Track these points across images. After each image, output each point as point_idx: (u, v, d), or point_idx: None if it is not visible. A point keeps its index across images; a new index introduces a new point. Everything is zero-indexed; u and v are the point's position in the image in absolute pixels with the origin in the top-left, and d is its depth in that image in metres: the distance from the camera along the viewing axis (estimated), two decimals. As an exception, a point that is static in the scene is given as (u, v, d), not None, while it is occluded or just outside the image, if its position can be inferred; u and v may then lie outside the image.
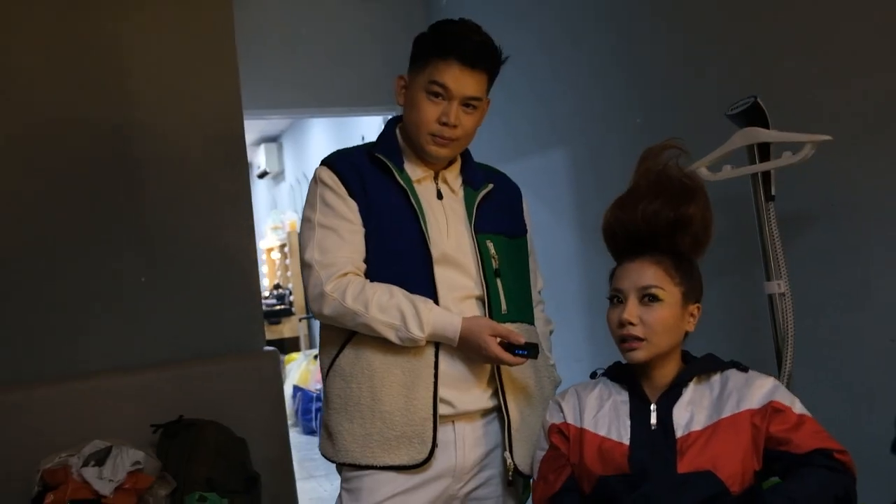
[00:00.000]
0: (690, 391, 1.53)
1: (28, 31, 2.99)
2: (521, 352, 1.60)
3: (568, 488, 1.56)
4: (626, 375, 1.59)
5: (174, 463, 2.64)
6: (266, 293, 8.47)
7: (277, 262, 9.11)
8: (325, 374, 1.75)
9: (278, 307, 8.17)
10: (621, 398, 1.57)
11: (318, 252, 1.68)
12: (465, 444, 1.70)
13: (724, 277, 2.44)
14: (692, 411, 1.49)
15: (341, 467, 1.73)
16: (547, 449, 1.63)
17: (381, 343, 1.64)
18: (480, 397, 1.70)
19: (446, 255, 1.70)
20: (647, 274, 1.53)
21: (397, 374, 1.64)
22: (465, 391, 1.68)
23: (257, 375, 3.02)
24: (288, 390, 6.57)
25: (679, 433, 1.47)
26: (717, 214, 2.45)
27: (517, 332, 1.64)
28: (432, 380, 1.63)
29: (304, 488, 4.77)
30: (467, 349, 1.64)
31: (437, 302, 1.65)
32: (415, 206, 1.70)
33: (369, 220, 1.70)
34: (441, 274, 1.68)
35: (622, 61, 2.97)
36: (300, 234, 1.76)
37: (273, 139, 8.96)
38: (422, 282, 1.66)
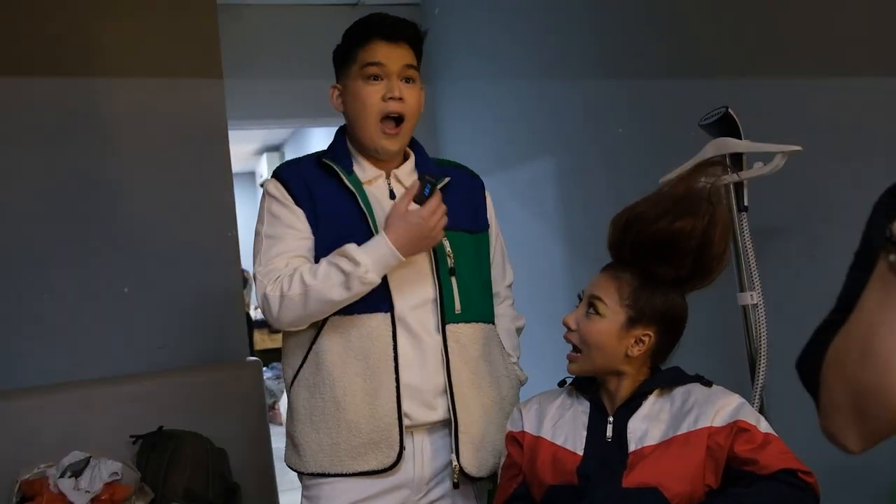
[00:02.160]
0: (649, 404, 1.50)
1: (11, 34, 2.99)
2: (427, 192, 1.61)
3: (516, 496, 1.56)
4: (591, 386, 1.58)
5: (153, 474, 2.63)
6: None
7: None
8: (290, 386, 1.74)
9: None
10: (582, 408, 1.56)
11: (261, 263, 1.68)
12: (424, 456, 1.71)
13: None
14: (648, 425, 1.47)
15: (302, 476, 1.74)
16: (506, 456, 1.63)
17: (342, 353, 1.65)
18: (436, 408, 1.69)
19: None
20: (601, 285, 1.52)
21: (359, 382, 1.64)
22: (422, 403, 1.68)
23: (238, 386, 3.01)
24: (283, 399, 6.57)
25: (632, 447, 1.45)
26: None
27: (410, 190, 1.63)
28: (394, 386, 1.64)
29: (289, 500, 4.73)
30: (414, 248, 1.62)
31: (392, 311, 1.65)
32: (364, 209, 1.68)
33: (318, 227, 1.69)
34: (396, 279, 1.66)
35: (605, 73, 2.96)
36: (253, 249, 1.74)
37: (275, 148, 8.98)
38: (379, 293, 1.64)
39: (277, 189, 1.72)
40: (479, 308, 1.76)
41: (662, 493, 1.38)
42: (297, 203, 1.70)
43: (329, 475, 1.67)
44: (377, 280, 1.60)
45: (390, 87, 1.67)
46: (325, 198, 1.70)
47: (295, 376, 1.72)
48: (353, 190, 1.69)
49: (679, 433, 1.44)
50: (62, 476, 2.50)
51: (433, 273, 1.70)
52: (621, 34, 2.87)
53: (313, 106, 4.42)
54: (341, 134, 1.80)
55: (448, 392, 1.68)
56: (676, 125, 2.57)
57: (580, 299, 1.57)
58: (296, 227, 1.69)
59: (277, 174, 1.75)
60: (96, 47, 3.10)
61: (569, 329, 1.53)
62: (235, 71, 3.66)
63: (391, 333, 1.65)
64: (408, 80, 1.70)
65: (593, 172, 3.07)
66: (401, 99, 1.68)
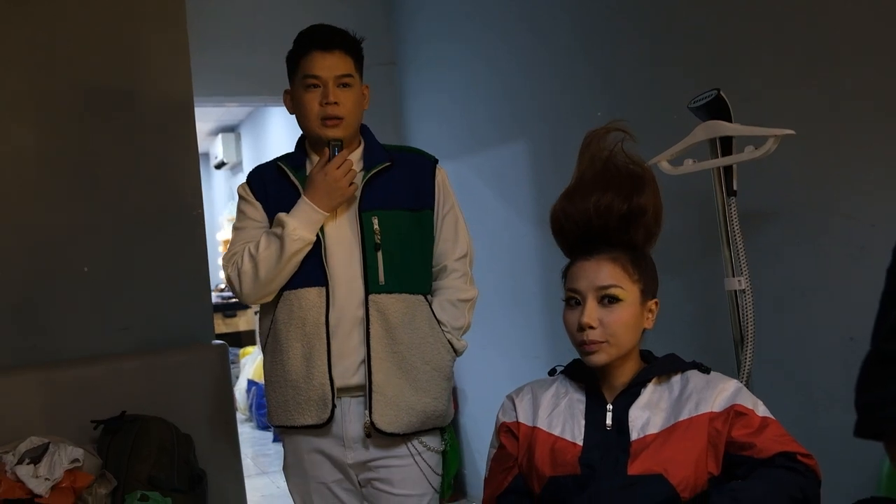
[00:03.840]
0: (649, 392, 1.48)
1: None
2: (336, 153, 1.88)
3: (513, 489, 1.52)
4: (585, 374, 1.54)
5: (115, 460, 2.54)
6: (222, 285, 8.32)
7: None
8: (263, 353, 2.02)
9: (234, 300, 8.02)
10: (578, 397, 1.52)
11: (228, 251, 1.97)
12: (346, 417, 1.90)
13: (683, 273, 2.40)
14: (649, 413, 1.45)
15: (277, 429, 2.12)
16: (497, 447, 1.59)
17: (287, 322, 1.90)
18: (357, 374, 1.88)
19: (336, 240, 1.90)
20: (605, 273, 1.47)
21: (298, 348, 1.89)
22: (346, 369, 1.88)
23: (204, 369, 2.92)
24: (242, 384, 6.45)
25: (634, 435, 1.43)
26: (676, 209, 2.43)
27: (322, 158, 1.90)
28: (325, 352, 1.86)
29: (256, 485, 4.68)
30: (329, 200, 1.86)
31: (327, 286, 1.88)
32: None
33: (270, 220, 1.93)
34: (332, 257, 1.89)
35: (584, 53, 2.92)
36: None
37: (231, 129, 8.79)
38: (316, 269, 1.88)
39: (244, 189, 2.03)
40: (407, 280, 1.93)
41: (668, 479, 1.36)
42: (256, 198, 1.98)
43: (286, 427, 1.95)
44: (308, 236, 1.85)
45: (326, 93, 1.89)
46: (278, 194, 1.95)
47: (265, 343, 1.99)
48: (298, 185, 1.92)
49: (681, 419, 1.42)
50: (20, 463, 2.39)
51: (360, 246, 1.89)
52: (600, 14, 2.83)
53: (269, 86, 4.29)
54: (301, 139, 2.04)
55: (366, 356, 1.87)
56: (655, 107, 2.55)
57: (571, 301, 1.50)
58: (255, 219, 1.97)
59: (247, 177, 2.04)
60: (62, 18, 2.97)
61: (591, 328, 1.45)
62: (195, 46, 3.54)
63: (324, 305, 1.87)
64: (344, 85, 1.91)
65: (569, 156, 3.03)
66: (336, 103, 1.89)
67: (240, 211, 2.03)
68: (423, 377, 1.91)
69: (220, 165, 9.08)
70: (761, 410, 1.42)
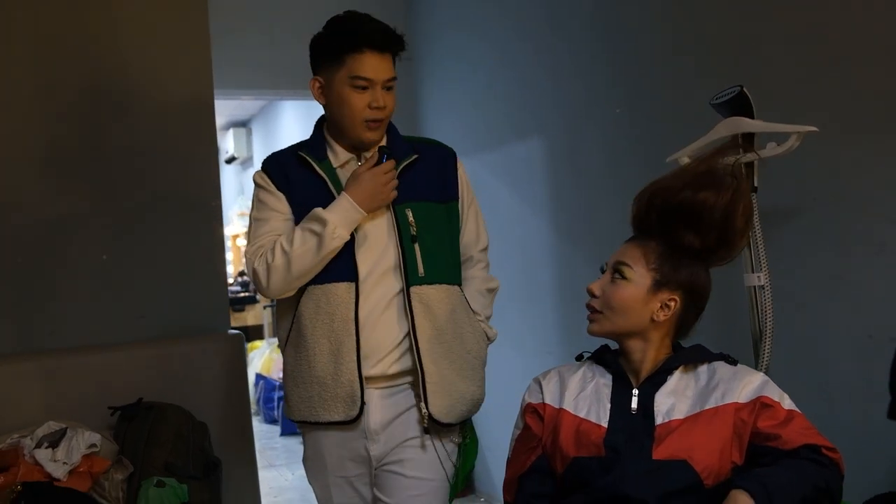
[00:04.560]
0: (675, 379, 1.50)
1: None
2: (384, 160, 1.85)
3: (535, 468, 1.54)
4: (612, 360, 1.57)
5: (132, 446, 2.55)
6: (230, 280, 8.34)
7: (243, 248, 8.98)
8: (283, 347, 1.98)
9: (242, 294, 8.05)
10: (604, 381, 1.55)
11: (250, 243, 1.91)
12: (371, 408, 1.88)
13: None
14: (675, 400, 1.46)
15: (297, 424, 2.00)
16: (522, 428, 1.61)
17: (313, 318, 1.85)
18: (394, 362, 1.87)
19: (366, 234, 1.86)
20: (627, 252, 1.54)
21: (325, 343, 1.85)
22: (379, 360, 1.86)
23: (221, 358, 2.94)
24: (250, 378, 6.48)
25: (659, 420, 1.44)
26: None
27: (370, 159, 1.86)
28: (355, 347, 1.83)
29: (264, 477, 4.67)
30: (371, 202, 1.83)
31: (357, 281, 1.84)
32: (334, 192, 1.86)
33: (295, 211, 1.89)
34: (361, 251, 1.85)
35: (603, 50, 2.93)
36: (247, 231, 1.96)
37: (242, 124, 8.82)
38: (345, 264, 1.84)
39: (262, 178, 1.94)
40: (444, 271, 1.92)
41: (692, 465, 1.37)
42: (279, 188, 1.91)
43: (309, 423, 1.92)
44: (346, 235, 1.81)
45: (375, 97, 1.84)
46: (300, 184, 1.90)
47: (287, 339, 1.95)
48: (325, 176, 1.88)
49: (707, 407, 1.44)
50: (38, 447, 2.41)
51: (396, 242, 1.87)
52: (618, 9, 2.84)
53: (285, 79, 4.31)
54: (319, 126, 1.97)
55: (414, 347, 1.84)
56: (674, 105, 2.55)
57: (602, 271, 1.58)
58: (279, 210, 1.91)
59: (263, 166, 1.96)
60: (82, 8, 2.99)
61: (592, 296, 1.54)
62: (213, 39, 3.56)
63: (353, 300, 1.83)
64: (389, 88, 1.87)
65: (588, 153, 3.04)
66: (384, 107, 1.86)
67: (259, 201, 1.95)
68: (467, 366, 1.92)
69: (230, 160, 9.11)
70: (787, 403, 1.44)
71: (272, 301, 2.10)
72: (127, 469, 2.51)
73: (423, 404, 1.85)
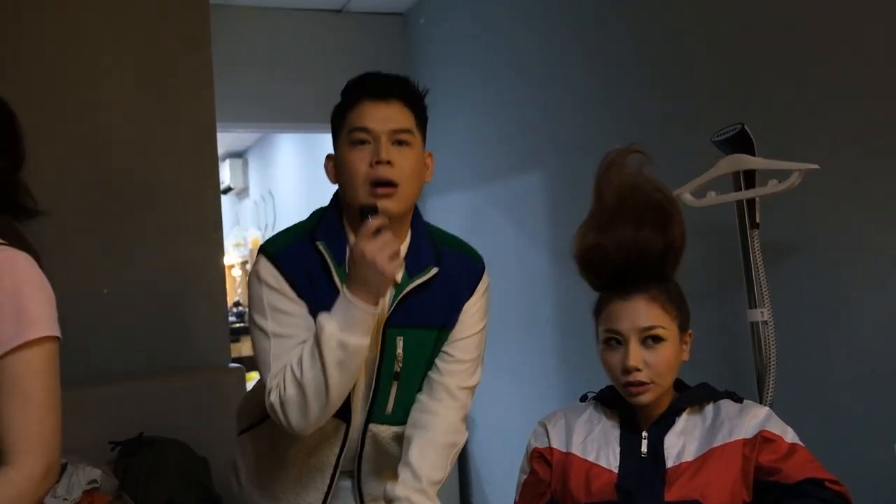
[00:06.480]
0: (683, 420, 1.49)
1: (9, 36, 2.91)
2: (373, 215, 1.44)
3: None
4: (618, 401, 1.55)
5: (133, 482, 2.53)
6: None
7: (238, 279, 8.95)
8: (245, 428, 1.77)
9: (237, 325, 8.01)
10: (611, 424, 1.54)
11: (272, 367, 1.50)
12: None
13: (705, 304, 2.42)
14: (684, 441, 1.46)
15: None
16: (529, 473, 1.59)
17: (288, 448, 1.63)
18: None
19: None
20: (646, 314, 1.46)
21: (294, 474, 1.66)
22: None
23: (221, 392, 2.93)
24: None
25: (670, 463, 1.44)
26: (699, 241, 2.45)
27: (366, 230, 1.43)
28: (326, 485, 1.65)
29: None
30: (370, 287, 1.42)
31: (349, 424, 1.60)
32: None
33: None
34: (356, 391, 1.58)
35: (602, 85, 2.97)
36: (254, 346, 1.54)
37: (238, 155, 8.84)
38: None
39: (276, 280, 1.52)
40: (408, 410, 1.65)
41: None
42: (300, 296, 1.52)
43: None
44: (352, 340, 1.42)
45: (377, 150, 1.49)
46: (322, 291, 1.51)
47: (250, 427, 1.74)
48: (340, 286, 1.49)
49: (715, 446, 1.44)
50: (38, 482, 2.39)
51: (373, 375, 1.57)
52: (617, 48, 2.88)
53: (282, 111, 4.36)
54: (334, 204, 1.61)
55: (357, 477, 1.69)
56: (673, 141, 2.58)
57: (611, 342, 1.48)
58: (303, 317, 1.51)
59: (274, 261, 1.53)
60: (84, 41, 3.01)
61: (637, 370, 1.44)
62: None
63: (341, 441, 1.61)
64: (401, 143, 1.52)
65: (587, 187, 3.05)
66: (389, 163, 1.49)
67: (277, 310, 1.51)
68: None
69: (226, 191, 9.12)
70: (790, 437, 1.43)
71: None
72: (127, 505, 2.49)
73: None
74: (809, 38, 2.13)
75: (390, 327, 1.54)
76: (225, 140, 7.96)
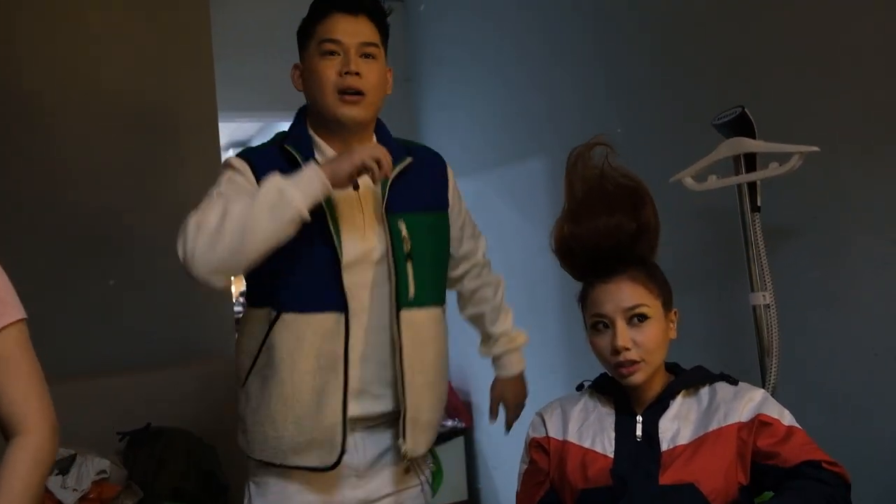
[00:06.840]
0: (678, 404, 1.50)
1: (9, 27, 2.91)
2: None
3: (545, 503, 1.55)
4: (612, 387, 1.57)
5: (141, 472, 2.56)
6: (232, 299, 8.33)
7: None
8: (246, 375, 1.74)
9: (241, 314, 8.03)
10: (606, 410, 1.55)
11: (197, 213, 1.52)
12: (364, 449, 1.73)
13: (707, 288, 2.43)
14: (679, 424, 1.47)
15: (250, 460, 1.76)
16: (528, 463, 1.61)
17: (293, 351, 1.61)
18: (382, 399, 1.70)
19: (353, 254, 1.64)
20: (628, 294, 1.49)
21: (308, 381, 1.62)
22: (367, 398, 1.69)
23: (228, 381, 2.92)
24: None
25: (664, 446, 1.45)
26: (700, 225, 2.46)
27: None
28: (342, 387, 1.62)
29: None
30: (338, 167, 1.52)
31: (347, 311, 1.61)
32: (322, 203, 1.57)
33: None
34: (351, 277, 1.63)
35: (603, 70, 2.96)
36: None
37: (242, 144, 8.84)
38: (330, 289, 1.61)
39: (242, 165, 1.64)
40: (432, 292, 1.75)
41: (700, 489, 1.38)
42: (259, 181, 1.58)
43: (274, 465, 1.69)
44: (300, 199, 1.46)
45: (346, 61, 1.64)
46: None
47: (250, 369, 1.71)
48: None
49: (710, 430, 1.45)
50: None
51: (389, 258, 1.66)
52: (619, 31, 2.87)
53: (285, 101, 4.34)
54: (301, 116, 1.75)
55: (399, 381, 1.67)
56: (675, 125, 2.58)
57: (598, 325, 1.51)
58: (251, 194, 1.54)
59: (244, 155, 1.68)
60: (85, 32, 3.02)
61: (626, 349, 1.47)
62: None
63: (343, 334, 1.62)
64: (368, 56, 1.67)
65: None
66: (358, 74, 1.63)
67: (230, 181, 1.61)
68: (443, 394, 1.80)
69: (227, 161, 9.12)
70: (787, 419, 1.44)
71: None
72: (136, 495, 2.51)
73: (401, 441, 1.69)
74: (810, 20, 2.12)
75: (391, 214, 1.67)
76: (228, 129, 7.94)
